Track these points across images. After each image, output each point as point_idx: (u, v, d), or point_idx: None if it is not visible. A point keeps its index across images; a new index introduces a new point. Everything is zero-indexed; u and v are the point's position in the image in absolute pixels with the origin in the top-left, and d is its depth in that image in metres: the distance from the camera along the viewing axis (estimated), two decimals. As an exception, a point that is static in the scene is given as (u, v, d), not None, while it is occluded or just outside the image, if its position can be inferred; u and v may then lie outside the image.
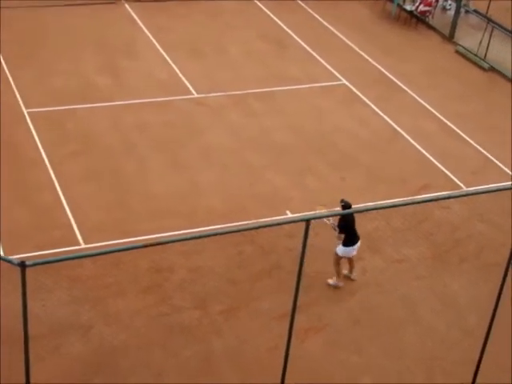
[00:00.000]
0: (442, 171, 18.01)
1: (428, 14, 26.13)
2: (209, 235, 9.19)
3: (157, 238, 13.95)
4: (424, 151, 18.74)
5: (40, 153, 17.10)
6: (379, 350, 12.90)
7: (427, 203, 13.60)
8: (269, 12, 25.68)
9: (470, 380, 11.91)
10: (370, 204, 15.74)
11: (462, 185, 17.50)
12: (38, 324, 12.17)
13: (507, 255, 10.67)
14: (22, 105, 18.87)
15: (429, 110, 20.76)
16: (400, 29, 25.89)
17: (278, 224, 9.91)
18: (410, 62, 23.54)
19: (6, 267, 8.22)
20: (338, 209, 13.68)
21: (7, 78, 19.96)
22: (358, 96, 21.08)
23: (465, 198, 15.10)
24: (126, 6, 24.93)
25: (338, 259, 13.80)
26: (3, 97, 19.04)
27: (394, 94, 21.53)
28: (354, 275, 14.23)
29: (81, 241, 14.55)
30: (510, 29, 24.66)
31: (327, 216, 13.47)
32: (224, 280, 13.95)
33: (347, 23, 25.40)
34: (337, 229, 13.55)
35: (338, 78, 21.99)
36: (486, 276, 14.51)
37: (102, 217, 15.31)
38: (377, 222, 15.64)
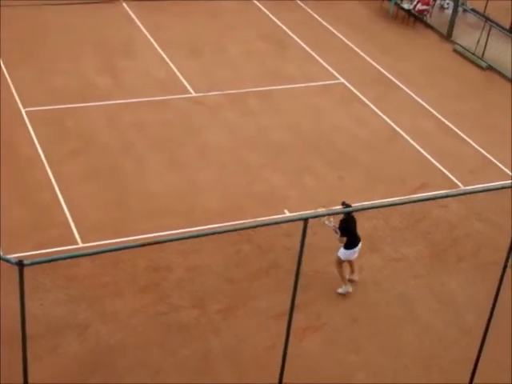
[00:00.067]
0: (440, 170, 18.02)
1: (426, 12, 26.13)
2: (207, 234, 9.20)
3: (155, 237, 13.93)
4: (422, 150, 18.75)
5: (38, 152, 17.08)
6: (377, 349, 12.91)
7: (425, 202, 13.62)
8: (267, 11, 25.67)
9: (468, 379, 11.92)
10: (368, 203, 15.73)
11: (459, 184, 17.51)
12: (36, 323, 12.18)
13: (505, 254, 10.68)
14: (20, 104, 18.86)
15: (427, 109, 20.77)
16: (398, 28, 25.90)
17: (276, 223, 9.92)
18: (408, 60, 23.55)
19: (5, 267, 8.22)
20: (339, 207, 13.63)
21: (5, 77, 19.94)
22: (356, 95, 21.09)
23: (463, 196, 15.13)
24: (124, 5, 24.91)
25: (340, 262, 13.76)
26: (1, 96, 19.01)
27: (392, 92, 21.54)
28: (356, 277, 14.20)
29: (78, 240, 14.54)
30: (507, 28, 24.70)
31: (325, 215, 13.44)
32: (222, 279, 13.95)
33: (345, 22, 25.40)
34: (338, 231, 13.49)
35: (336, 76, 21.99)
36: (484, 275, 14.52)
37: (99, 216, 15.31)
38: (375, 220, 15.65)
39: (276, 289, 13.62)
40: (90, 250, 8.75)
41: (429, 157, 18.49)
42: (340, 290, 13.85)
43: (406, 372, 12.56)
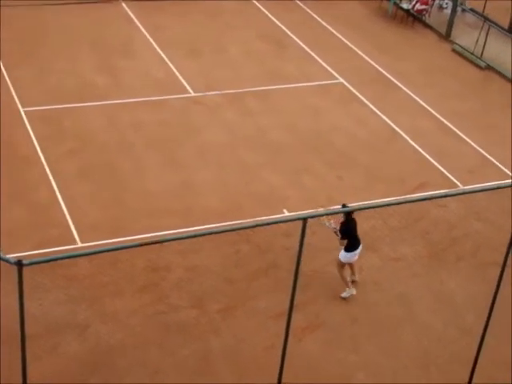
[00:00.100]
0: (439, 170, 18.02)
1: (424, 12, 26.14)
2: (205, 234, 9.20)
3: (153, 236, 13.91)
4: (421, 150, 18.75)
5: (37, 151, 17.08)
6: (376, 348, 12.91)
7: (424, 202, 13.62)
8: (266, 11, 25.67)
9: (467, 378, 11.93)
10: (367, 203, 15.72)
11: (458, 183, 17.51)
12: (35, 323, 12.18)
13: (504, 253, 10.68)
14: (18, 103, 18.85)
15: (426, 109, 20.77)
16: (397, 27, 25.91)
17: (275, 223, 9.90)
18: (407, 60, 23.55)
19: (5, 267, 8.21)
20: (338, 207, 13.62)
21: (4, 77, 19.93)
22: (355, 95, 21.09)
23: (461, 196, 15.12)
24: (123, 4, 24.91)
25: (341, 265, 13.72)
26: (0, 96, 19.00)
27: (391, 92, 21.54)
28: (357, 277, 14.18)
29: (77, 239, 14.54)
30: (506, 27, 24.71)
31: (324, 214, 13.43)
32: (221, 279, 13.95)
33: (344, 22, 25.40)
34: (338, 233, 13.45)
35: (335, 76, 21.99)
36: (483, 274, 14.53)
37: (98, 215, 15.30)
38: (373, 220, 15.64)
39: (275, 289, 13.62)
40: (89, 250, 8.73)
41: (428, 156, 18.49)
42: (344, 294, 13.74)
43: (405, 371, 12.57)
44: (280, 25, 24.81)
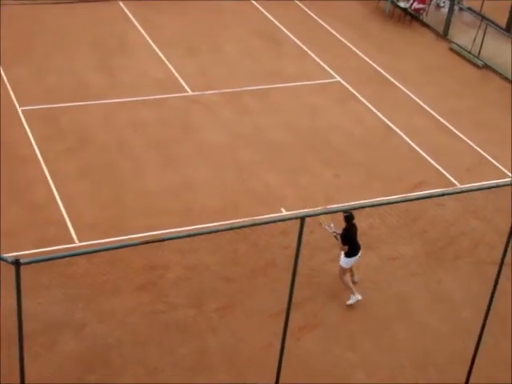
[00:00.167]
0: (437, 168, 18.04)
1: (422, 11, 26.16)
2: (204, 233, 9.20)
3: (151, 235, 13.94)
4: (418, 148, 18.77)
5: (34, 150, 17.08)
6: (374, 347, 12.93)
7: (421, 200, 13.62)
8: (264, 10, 25.68)
9: (465, 377, 11.94)
10: (364, 201, 15.74)
11: (456, 182, 17.53)
12: (34, 322, 12.17)
13: (501, 252, 10.70)
14: (16, 103, 18.84)
15: (423, 107, 20.79)
16: (394, 26, 25.92)
17: (273, 221, 9.91)
18: (404, 59, 23.57)
19: (4, 267, 8.22)
20: (335, 206, 13.61)
21: (1, 76, 19.92)
22: (353, 93, 21.11)
23: (459, 195, 15.13)
24: (121, 3, 24.90)
25: (344, 272, 13.67)
26: (-3, 95, 19.05)
27: (388, 91, 21.56)
28: (356, 278, 14.15)
29: (75, 238, 14.54)
30: (503, 26, 24.73)
31: (322, 214, 13.44)
32: (219, 278, 13.96)
33: (342, 21, 25.41)
34: (338, 237, 13.44)
35: (332, 75, 22.01)
36: (481, 272, 14.55)
37: (96, 214, 15.30)
38: (371, 219, 15.66)
39: (273, 287, 13.63)
40: (87, 249, 8.75)
41: (425, 155, 18.51)
42: (350, 302, 13.61)
43: (403, 370, 12.59)
44: (278, 24, 24.81)
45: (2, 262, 7.96)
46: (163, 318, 13.01)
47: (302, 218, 9.23)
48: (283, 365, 10.60)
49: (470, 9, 25.61)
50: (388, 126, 19.71)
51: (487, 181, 17.15)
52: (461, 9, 26.00)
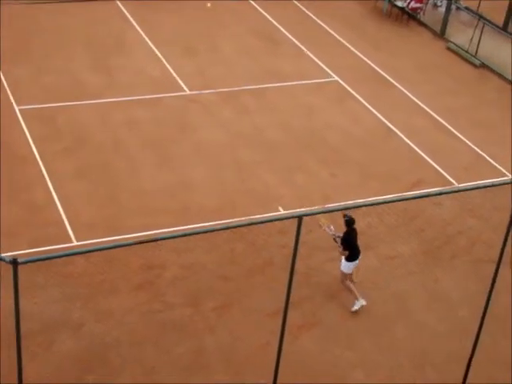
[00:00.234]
0: (434, 167, 18.05)
1: (419, 10, 26.18)
2: (200, 232, 9.19)
3: (149, 235, 13.94)
4: (416, 147, 18.78)
5: (31, 150, 17.06)
6: (373, 346, 12.93)
7: (419, 200, 13.62)
8: (261, 10, 25.67)
9: (462, 376, 11.95)
10: (361, 201, 15.74)
11: (453, 181, 17.54)
12: (31, 321, 12.16)
13: (498, 250, 10.71)
14: (13, 102, 18.82)
15: (420, 107, 20.80)
16: (392, 25, 25.93)
17: (270, 221, 9.91)
18: (402, 58, 23.58)
19: (4, 267, 8.22)
20: (333, 205, 13.58)
21: (-2, 76, 19.95)
22: (350, 92, 21.10)
23: (456, 194, 15.14)
24: (118, 3, 24.88)
25: (345, 276, 13.63)
26: (-6, 94, 19.02)
27: (386, 90, 21.56)
28: (355, 278, 14.12)
29: (73, 238, 14.53)
30: (501, 26, 24.75)
31: (320, 213, 13.39)
32: (216, 277, 13.95)
33: (339, 20, 25.42)
34: (337, 240, 13.41)
35: (329, 74, 22.01)
36: (478, 271, 14.56)
37: (93, 214, 15.29)
38: (369, 218, 15.64)
39: (271, 286, 13.62)
40: (85, 248, 8.74)
41: (422, 154, 18.52)
42: (355, 308, 13.52)
43: (401, 369, 12.59)
44: (275, 23, 24.81)
45: (0, 261, 7.96)
46: (160, 317, 13.00)
47: (300, 218, 9.23)
48: (281, 364, 10.60)
49: (467, 8, 25.63)
50: (385, 125, 19.72)
51: (485, 180, 17.14)
52: (458, 8, 26.01)
